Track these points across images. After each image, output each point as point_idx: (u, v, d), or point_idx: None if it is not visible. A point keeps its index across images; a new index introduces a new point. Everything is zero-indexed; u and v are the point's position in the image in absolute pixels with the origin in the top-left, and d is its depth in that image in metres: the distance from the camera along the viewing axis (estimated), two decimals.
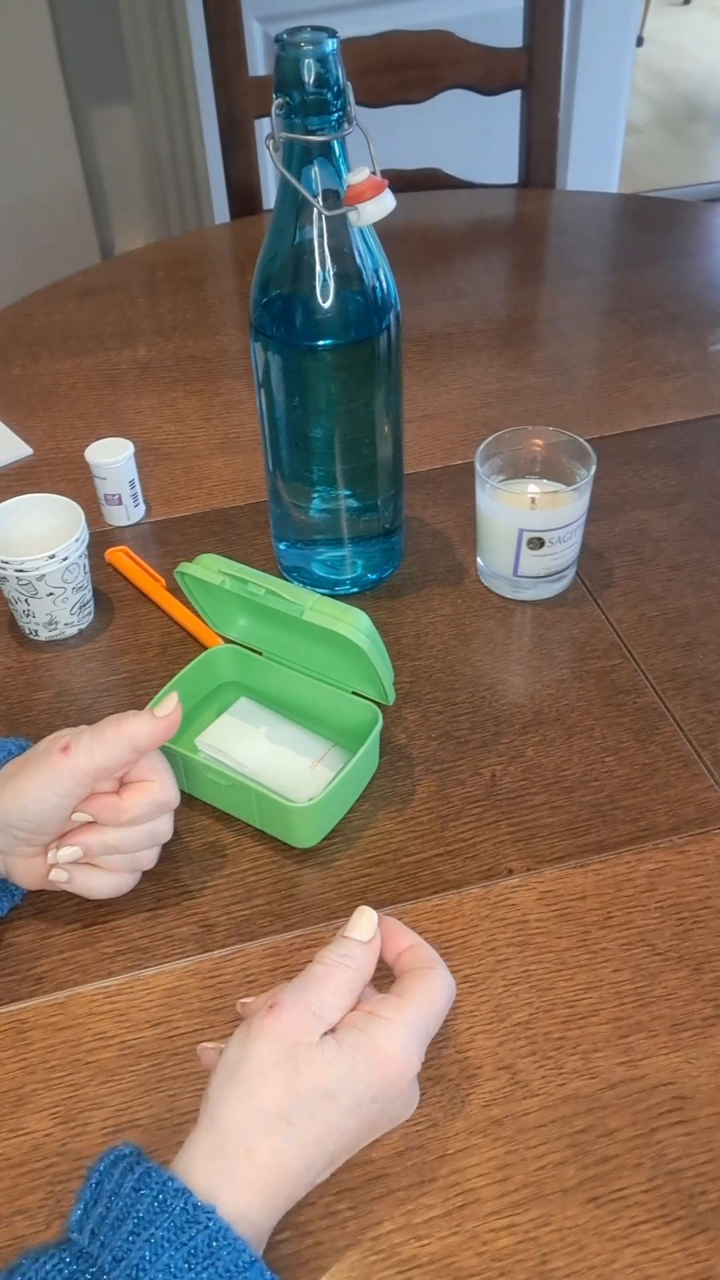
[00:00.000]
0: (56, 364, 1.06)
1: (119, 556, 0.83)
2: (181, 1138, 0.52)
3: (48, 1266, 0.42)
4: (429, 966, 0.50)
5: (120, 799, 0.57)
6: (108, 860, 0.59)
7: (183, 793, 0.67)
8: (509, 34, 1.33)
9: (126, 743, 0.55)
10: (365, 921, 0.51)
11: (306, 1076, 0.45)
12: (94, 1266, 0.41)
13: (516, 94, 1.36)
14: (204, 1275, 0.41)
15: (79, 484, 0.90)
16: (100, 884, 0.59)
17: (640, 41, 3.29)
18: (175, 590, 0.79)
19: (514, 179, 1.42)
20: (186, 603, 0.78)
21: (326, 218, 0.63)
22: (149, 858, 0.60)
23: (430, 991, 0.49)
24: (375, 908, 0.60)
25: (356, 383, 0.68)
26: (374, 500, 0.75)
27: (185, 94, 1.94)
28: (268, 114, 0.62)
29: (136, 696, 0.73)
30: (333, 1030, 0.48)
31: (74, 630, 0.78)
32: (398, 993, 0.49)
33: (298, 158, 0.62)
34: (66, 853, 0.57)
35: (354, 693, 0.68)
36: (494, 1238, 0.49)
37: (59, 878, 0.58)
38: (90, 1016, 0.57)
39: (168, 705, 0.57)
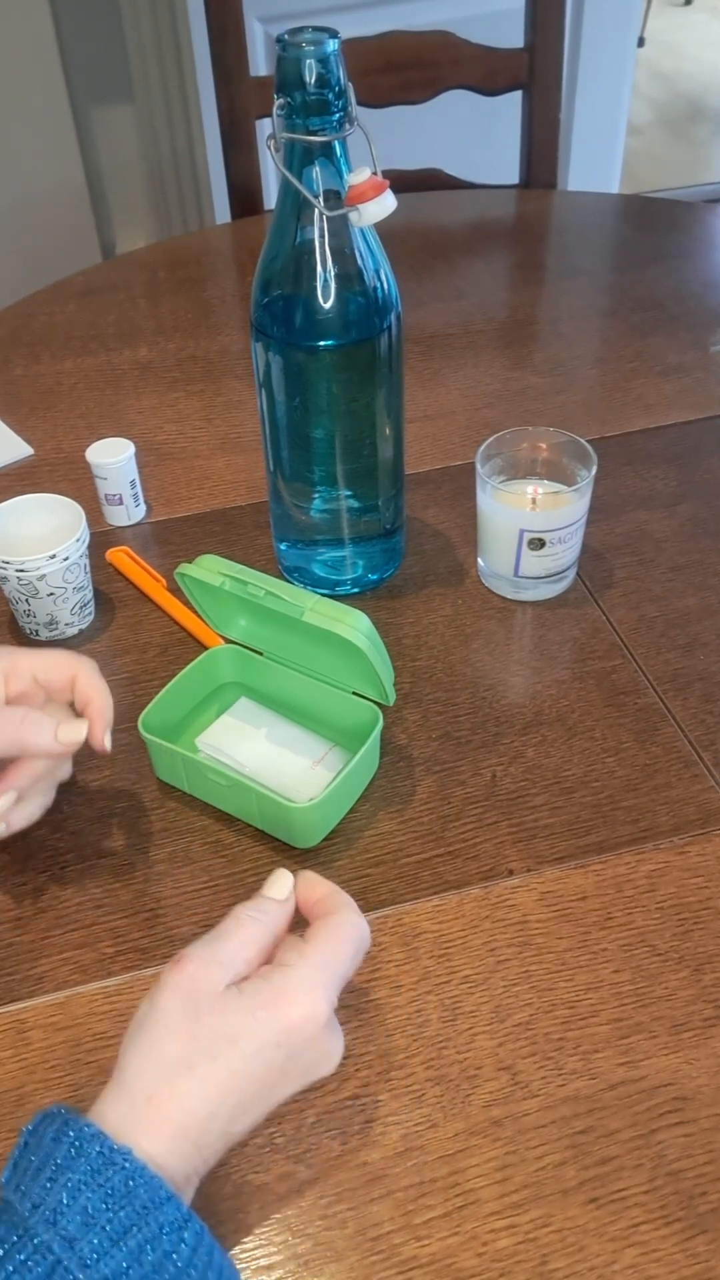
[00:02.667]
0: (57, 364, 1.06)
1: (119, 556, 0.83)
2: None
3: None
4: (335, 911, 0.50)
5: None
6: (31, 788, 0.60)
7: (183, 793, 0.67)
8: (510, 34, 1.33)
9: (18, 747, 0.57)
10: (281, 882, 0.51)
11: (207, 1024, 0.45)
12: (14, 1216, 0.42)
13: (517, 94, 1.36)
14: (121, 1213, 0.41)
15: (80, 484, 0.90)
16: (34, 812, 0.61)
17: (641, 42, 3.29)
18: (176, 590, 0.79)
19: (515, 179, 1.42)
20: (187, 603, 0.78)
21: (327, 218, 0.63)
22: (66, 769, 0.62)
23: (336, 934, 0.49)
24: (375, 908, 0.61)
25: (357, 383, 0.68)
26: (375, 500, 0.75)
27: (186, 94, 1.94)
28: (269, 114, 0.62)
29: (137, 696, 0.73)
30: (241, 981, 0.48)
31: (74, 630, 0.78)
32: (306, 938, 0.49)
33: (299, 158, 0.62)
34: (6, 800, 0.58)
35: (354, 693, 0.68)
36: (494, 1238, 0.49)
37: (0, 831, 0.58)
38: (90, 1016, 0.57)
39: (75, 734, 0.57)
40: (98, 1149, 0.42)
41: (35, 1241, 0.40)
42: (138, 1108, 0.44)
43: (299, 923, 0.50)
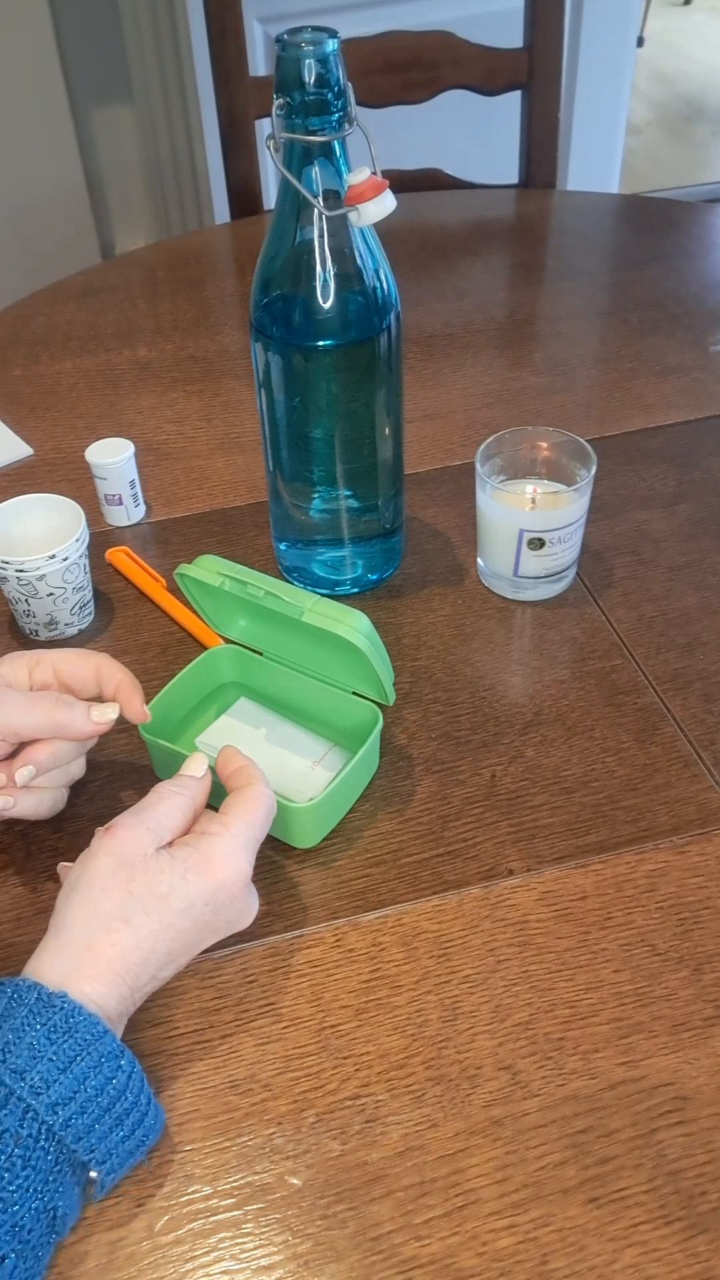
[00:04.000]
0: (57, 364, 1.06)
1: (119, 557, 0.83)
2: (182, 1137, 0.52)
3: None
4: (249, 784, 0.56)
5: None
6: (47, 776, 0.62)
7: None
8: (509, 34, 1.33)
9: (52, 726, 0.59)
10: (198, 762, 0.58)
11: (141, 882, 0.51)
12: None
13: (517, 94, 1.36)
14: (64, 1045, 0.46)
15: (79, 484, 0.90)
16: (44, 803, 0.62)
17: (641, 42, 3.28)
18: (175, 590, 0.79)
19: (514, 179, 1.42)
20: (187, 603, 0.78)
21: (327, 218, 0.63)
22: (79, 766, 0.64)
23: (251, 804, 0.55)
24: (375, 908, 0.61)
25: (357, 383, 0.68)
26: (374, 500, 0.75)
27: (186, 94, 1.94)
28: (268, 114, 0.62)
29: None
30: (168, 846, 0.53)
31: (74, 630, 0.78)
32: (224, 810, 0.55)
33: (298, 158, 0.62)
34: (24, 773, 0.59)
35: (354, 693, 0.68)
36: (494, 1238, 0.49)
37: (4, 804, 0.59)
38: None
39: (108, 713, 0.60)
40: (35, 995, 0.47)
41: None
42: (77, 955, 0.49)
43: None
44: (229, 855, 0.53)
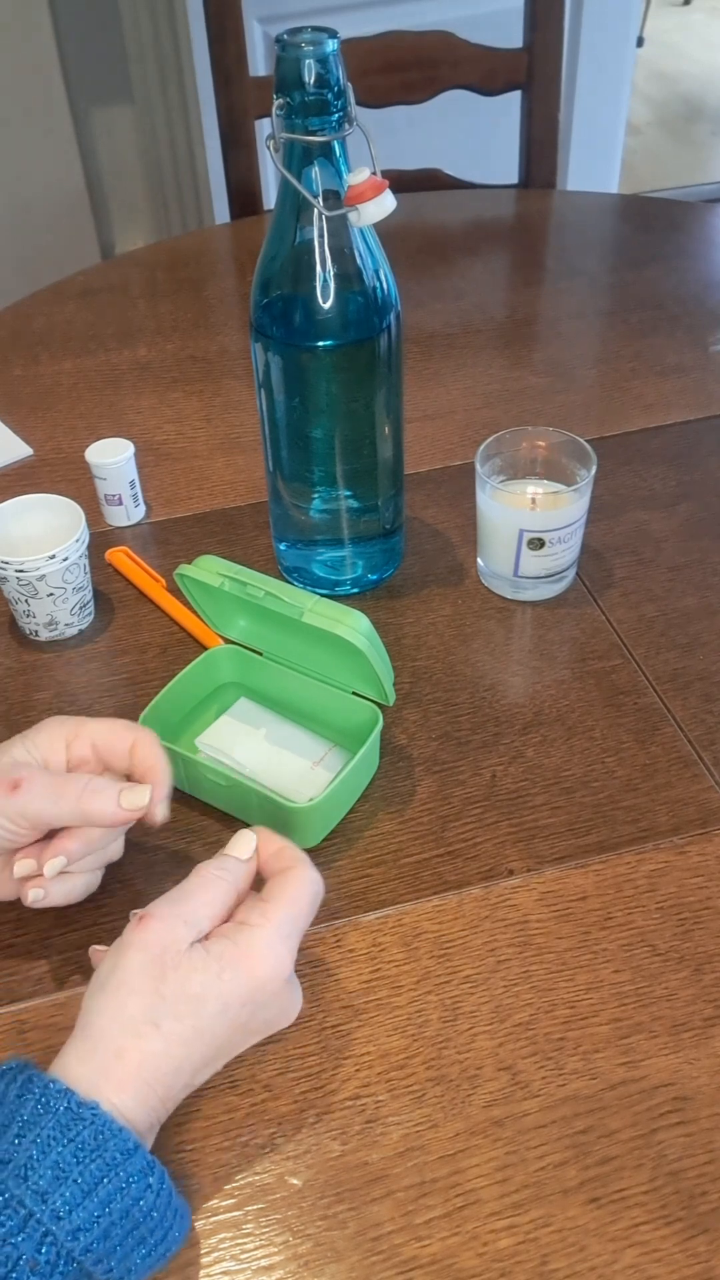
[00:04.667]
0: (57, 364, 1.06)
1: (119, 557, 0.83)
2: (182, 1137, 0.52)
3: None
4: (292, 866, 0.52)
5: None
6: (81, 862, 0.57)
7: (183, 793, 0.67)
8: (509, 34, 1.33)
9: (80, 815, 0.54)
10: (245, 842, 0.53)
11: (173, 982, 0.47)
12: None
13: (517, 94, 1.36)
14: (91, 1166, 0.43)
15: (79, 484, 0.90)
16: (76, 888, 0.58)
17: (640, 42, 3.29)
18: (175, 590, 0.79)
19: (514, 179, 1.42)
20: (186, 603, 0.78)
21: (327, 218, 0.63)
22: (118, 848, 0.60)
23: (295, 890, 0.51)
24: (375, 908, 0.61)
25: (357, 383, 0.68)
26: (374, 501, 0.75)
27: (185, 94, 1.94)
28: (268, 114, 0.62)
29: (137, 697, 0.73)
30: (205, 939, 0.49)
31: (74, 630, 0.78)
32: (264, 897, 0.51)
33: (298, 158, 0.62)
34: (54, 864, 0.55)
35: (354, 693, 0.68)
36: (494, 1239, 0.49)
37: (36, 898, 0.56)
38: None
39: (138, 799, 0.55)
40: (65, 1105, 0.44)
41: (5, 1196, 0.42)
42: (105, 1062, 0.46)
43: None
44: (268, 949, 0.49)
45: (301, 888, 0.51)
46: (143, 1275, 0.45)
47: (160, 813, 0.56)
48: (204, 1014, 0.47)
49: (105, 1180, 0.43)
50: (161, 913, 0.49)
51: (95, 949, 0.53)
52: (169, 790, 0.57)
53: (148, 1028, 0.46)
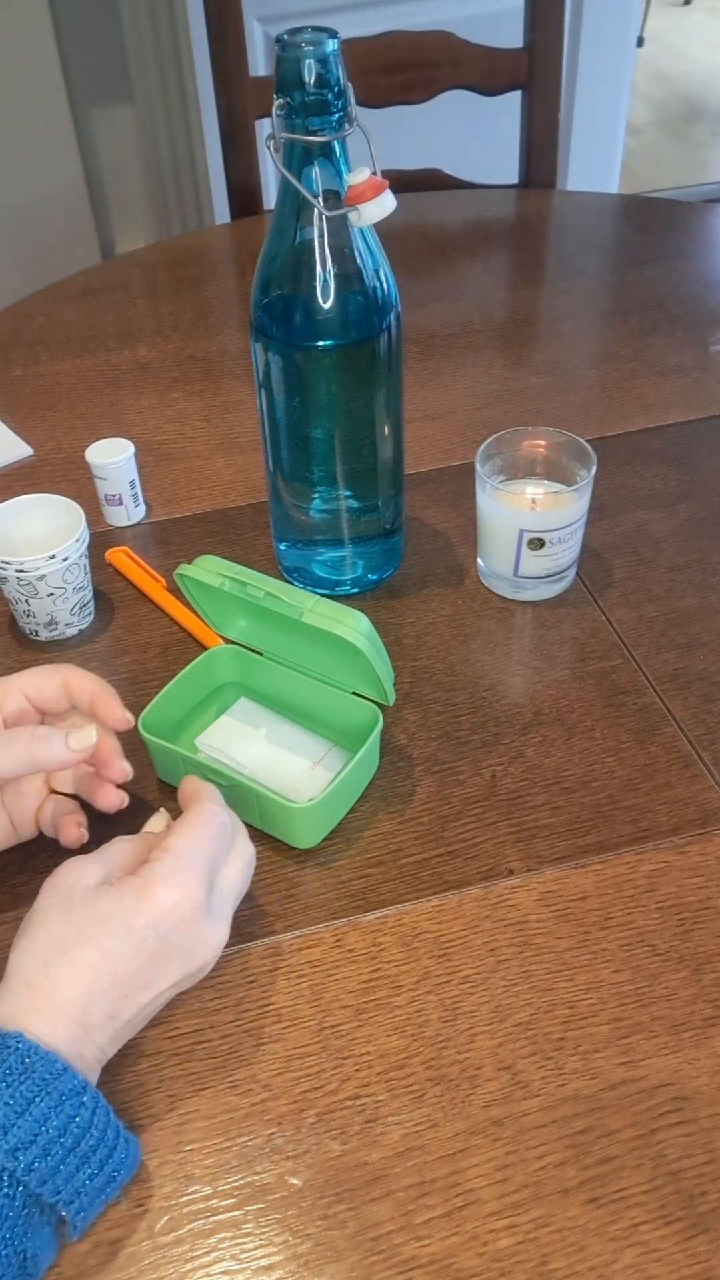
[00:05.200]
0: (57, 364, 1.06)
1: (119, 557, 0.83)
2: (182, 1137, 0.52)
3: None
4: (196, 801, 0.55)
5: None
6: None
7: None
8: (509, 34, 1.33)
9: (30, 764, 0.57)
10: (158, 819, 0.58)
11: (79, 911, 0.49)
12: None
13: (517, 94, 1.36)
14: (21, 1088, 0.44)
15: (79, 484, 0.90)
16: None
17: (641, 42, 3.28)
18: (175, 590, 0.79)
19: (514, 179, 1.42)
20: (186, 603, 0.78)
21: (327, 218, 0.63)
22: (116, 799, 0.62)
23: (193, 822, 0.53)
24: (375, 908, 0.61)
25: (357, 383, 0.68)
26: (374, 501, 0.75)
27: (185, 94, 1.94)
28: (268, 114, 0.62)
29: (137, 697, 0.73)
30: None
31: (74, 630, 0.78)
32: (170, 832, 0.53)
33: (298, 158, 0.62)
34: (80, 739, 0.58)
35: (354, 693, 0.68)
36: (494, 1238, 0.49)
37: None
38: None
39: (86, 739, 0.57)
40: None
41: None
42: (18, 994, 0.48)
43: None
44: (169, 874, 0.51)
45: (200, 818, 0.53)
46: (96, 1201, 0.46)
47: (124, 718, 0.60)
48: (106, 936, 0.49)
49: (37, 1099, 0.44)
50: (71, 859, 0.52)
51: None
52: (117, 698, 0.60)
53: (54, 954, 0.48)
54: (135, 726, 0.65)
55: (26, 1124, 0.44)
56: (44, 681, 0.61)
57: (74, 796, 0.63)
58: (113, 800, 0.60)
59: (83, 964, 0.48)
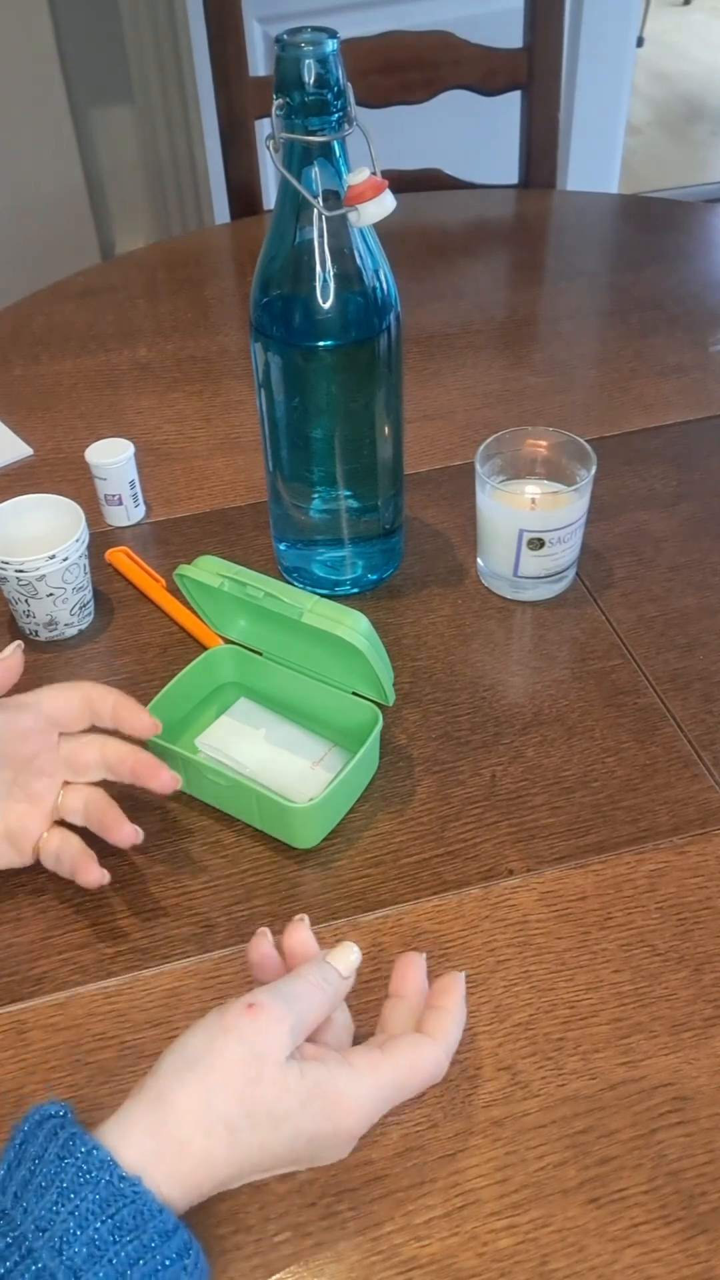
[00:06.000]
0: (57, 364, 1.06)
1: (119, 557, 0.83)
2: None
3: None
4: (431, 1037, 0.50)
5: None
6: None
7: (183, 793, 0.67)
8: (509, 34, 1.33)
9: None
10: (345, 959, 0.51)
11: (262, 1093, 0.45)
12: (16, 1230, 0.41)
13: (517, 94, 1.36)
14: (128, 1247, 0.41)
15: (79, 484, 0.90)
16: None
17: (640, 42, 3.28)
18: (175, 590, 0.79)
19: (514, 179, 1.42)
20: (186, 603, 0.78)
21: (327, 218, 0.63)
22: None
23: (414, 1062, 0.49)
24: (375, 908, 0.61)
25: (357, 383, 0.68)
26: (374, 501, 0.75)
27: (185, 94, 1.94)
28: (268, 114, 0.62)
29: (137, 697, 0.72)
30: (302, 1053, 0.47)
31: (74, 631, 0.78)
32: (383, 1049, 0.49)
33: (298, 158, 0.62)
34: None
35: (354, 693, 0.68)
36: (494, 1238, 0.49)
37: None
38: (90, 1017, 0.57)
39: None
40: (107, 1178, 0.42)
41: (37, 1266, 0.40)
42: (169, 1146, 0.44)
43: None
44: (359, 1106, 0.47)
45: (421, 1064, 0.49)
46: None
47: (153, 724, 0.61)
48: (276, 1135, 0.45)
49: (141, 1261, 0.41)
50: (274, 1010, 0.46)
51: (265, 931, 0.52)
52: (140, 707, 0.61)
53: (222, 1130, 0.44)
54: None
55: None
56: (65, 697, 0.60)
57: (80, 830, 0.61)
58: (127, 834, 0.59)
59: (241, 1153, 0.45)
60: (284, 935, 0.52)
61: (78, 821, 0.61)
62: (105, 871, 0.59)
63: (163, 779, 0.60)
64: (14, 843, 0.60)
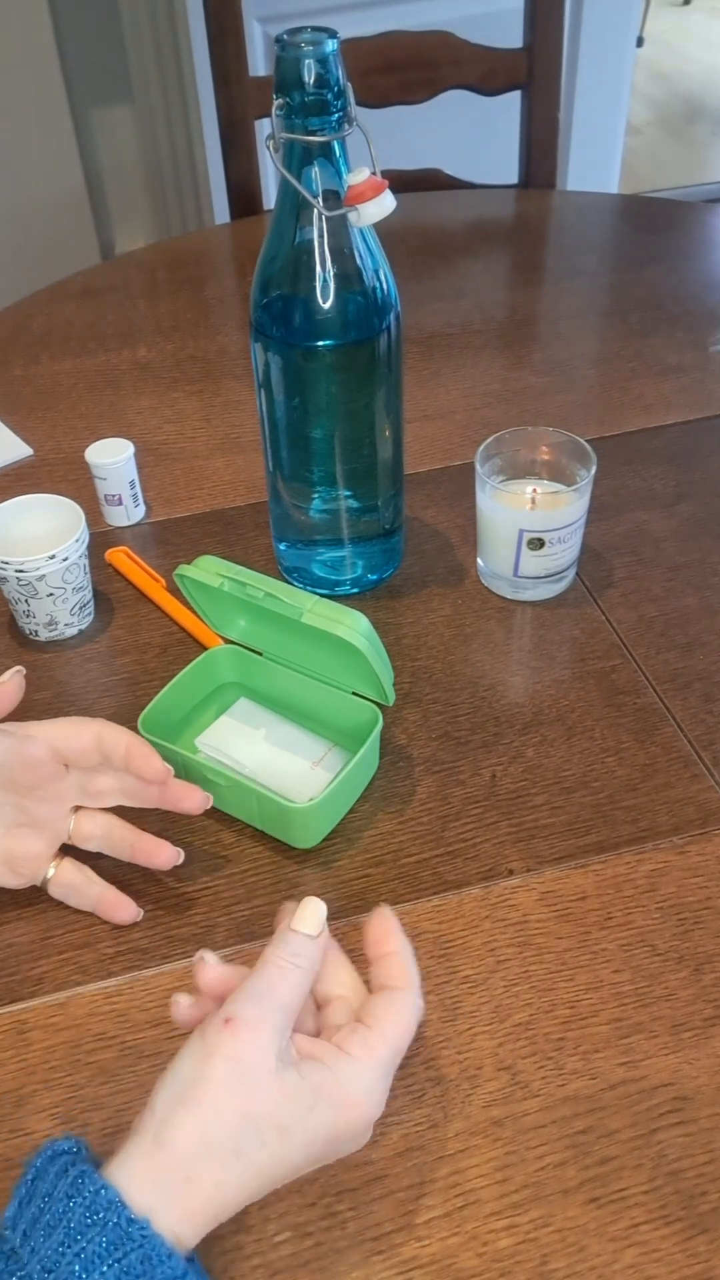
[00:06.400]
0: (57, 364, 1.06)
1: (119, 557, 0.83)
2: None
3: None
4: (400, 988, 0.48)
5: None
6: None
7: None
8: (509, 34, 1.33)
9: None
10: (312, 915, 0.48)
11: (262, 1107, 0.43)
12: (23, 1270, 0.41)
13: (516, 94, 1.36)
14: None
15: (79, 484, 0.90)
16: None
17: (640, 42, 3.29)
18: (175, 590, 0.79)
19: (514, 179, 1.42)
20: (186, 603, 0.78)
21: (327, 218, 0.63)
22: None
23: (399, 1019, 0.47)
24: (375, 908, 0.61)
25: (357, 383, 0.68)
26: (374, 501, 0.75)
27: (185, 94, 1.94)
28: (268, 114, 0.62)
29: (137, 697, 0.73)
30: (298, 1050, 0.46)
31: (74, 631, 0.78)
32: (367, 1020, 0.47)
33: (298, 158, 0.62)
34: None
35: (354, 693, 0.68)
36: (494, 1238, 0.49)
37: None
38: (90, 1017, 0.57)
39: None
40: (115, 1220, 0.41)
41: None
42: (175, 1186, 0.42)
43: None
44: (367, 1090, 0.45)
45: (405, 1018, 0.47)
46: None
47: (164, 769, 0.59)
48: (287, 1145, 0.44)
49: None
50: (249, 1017, 0.44)
51: (178, 999, 0.48)
52: (153, 751, 0.59)
53: (228, 1155, 0.43)
54: (135, 726, 0.65)
55: None
56: (75, 733, 0.58)
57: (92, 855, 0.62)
58: (169, 857, 0.60)
59: (252, 1172, 0.43)
60: (195, 975, 0.49)
61: (93, 848, 0.61)
62: (139, 909, 0.60)
63: (195, 799, 0.60)
64: (13, 866, 0.59)
